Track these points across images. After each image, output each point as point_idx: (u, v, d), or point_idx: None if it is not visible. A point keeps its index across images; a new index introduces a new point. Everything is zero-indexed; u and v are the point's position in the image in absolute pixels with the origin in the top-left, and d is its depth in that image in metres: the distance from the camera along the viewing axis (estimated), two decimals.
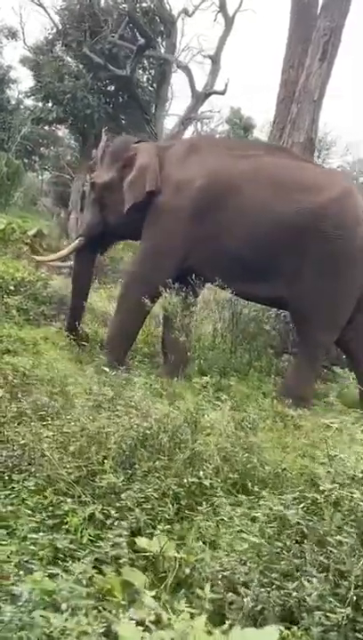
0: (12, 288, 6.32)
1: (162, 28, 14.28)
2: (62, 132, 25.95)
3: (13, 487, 2.60)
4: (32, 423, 3.17)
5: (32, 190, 34.13)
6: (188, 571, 1.99)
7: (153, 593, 1.84)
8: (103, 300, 7.23)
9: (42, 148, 27.70)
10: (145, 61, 14.30)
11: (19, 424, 3.25)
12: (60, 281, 7.25)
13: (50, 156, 28.52)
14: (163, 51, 14.21)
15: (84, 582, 1.86)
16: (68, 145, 28.40)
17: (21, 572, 1.97)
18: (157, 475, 2.67)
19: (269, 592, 1.92)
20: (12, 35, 21.63)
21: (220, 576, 2.00)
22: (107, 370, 3.66)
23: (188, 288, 5.01)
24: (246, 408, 3.75)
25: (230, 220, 4.89)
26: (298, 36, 9.39)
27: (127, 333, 5.06)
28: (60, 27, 15.19)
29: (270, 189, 4.86)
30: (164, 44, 14.20)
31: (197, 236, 4.95)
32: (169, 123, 19.09)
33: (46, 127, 21.57)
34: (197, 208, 4.94)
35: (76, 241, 5.55)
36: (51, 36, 15.74)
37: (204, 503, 2.60)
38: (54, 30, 15.54)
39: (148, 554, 2.06)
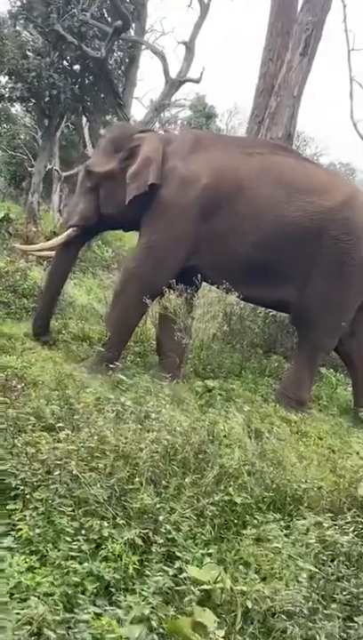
0: None
1: (132, 10, 13.84)
2: (15, 109, 25.02)
3: (37, 507, 2.44)
4: (35, 433, 3.02)
5: None
6: (249, 604, 1.90)
7: (223, 633, 1.75)
8: (83, 294, 6.98)
9: None
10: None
11: (19, 432, 3.08)
12: (40, 272, 6.95)
13: (2, 133, 27.49)
14: (132, 33, 13.77)
15: (151, 623, 1.73)
16: (22, 123, 27.42)
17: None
18: (190, 493, 2.57)
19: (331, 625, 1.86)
20: None
21: (279, 608, 1.93)
22: (125, 378, 3.48)
23: (189, 288, 4.88)
24: (252, 414, 3.69)
25: (237, 221, 4.77)
26: (278, 29, 9.29)
27: (123, 332, 4.87)
28: (25, 1, 14.43)
29: (279, 190, 4.77)
30: (133, 25, 13.75)
31: (201, 235, 4.82)
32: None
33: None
34: (203, 206, 4.80)
35: (69, 230, 5.25)
36: (15, 10, 14.94)
37: (239, 522, 2.53)
38: (18, 3, 14.76)
39: (205, 587, 1.95)
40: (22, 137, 26.83)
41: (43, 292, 5.73)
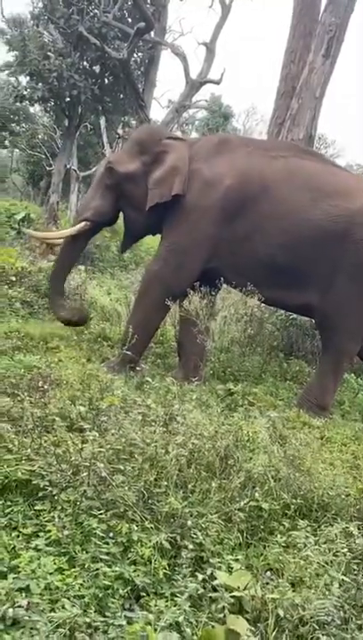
0: (12, 279, 6.05)
1: (152, 11, 13.86)
2: (34, 108, 25.20)
3: (65, 509, 2.45)
4: (61, 434, 3.03)
5: (1, 167, 33.30)
6: (281, 612, 1.89)
7: None
8: (103, 295, 7.00)
9: (13, 124, 26.87)
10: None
11: (46, 432, 3.10)
12: None
13: (21, 132, 27.68)
14: (153, 34, 13.79)
15: (185, 629, 1.73)
16: (41, 123, 27.60)
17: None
18: (216, 498, 2.56)
19: None
20: None
21: (311, 617, 1.91)
22: (150, 379, 3.48)
23: (211, 290, 4.87)
24: (277, 419, 3.67)
25: (261, 224, 4.76)
26: (300, 31, 9.25)
27: (145, 333, 4.88)
28: (47, 2, 14.52)
29: (303, 193, 4.74)
30: (154, 26, 13.76)
31: (223, 237, 4.81)
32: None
33: (19, 104, 20.82)
34: (226, 208, 4.79)
35: (81, 224, 5.25)
36: (37, 11, 15.05)
37: (266, 529, 2.52)
38: (40, 4, 14.87)
39: (235, 593, 1.94)
40: (40, 136, 27.06)
41: (49, 283, 5.74)
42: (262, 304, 5.08)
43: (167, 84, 47.72)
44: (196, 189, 4.86)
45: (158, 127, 8.37)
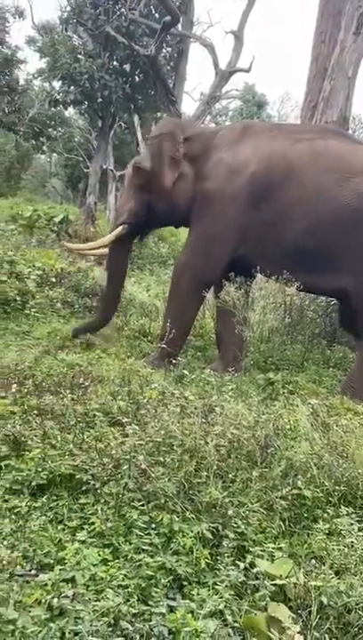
0: (53, 280, 6.18)
1: (178, 4, 13.80)
2: (68, 112, 25.60)
3: (108, 501, 2.49)
4: (103, 429, 3.09)
5: (41, 172, 34.02)
6: (324, 600, 1.86)
7: (298, 629, 1.72)
8: (142, 291, 7.06)
9: (49, 129, 27.39)
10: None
11: (88, 427, 3.16)
12: (101, 272, 7.08)
13: (58, 137, 28.20)
14: (180, 27, 13.74)
15: (226, 617, 1.73)
16: (76, 125, 28.02)
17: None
18: (257, 487, 2.55)
19: None
20: (20, 14, 21.22)
21: (356, 604, 1.88)
22: (187, 372, 3.49)
23: (247, 279, 4.83)
24: (318, 406, 3.61)
25: (287, 208, 4.68)
26: (330, 9, 9.01)
27: (182, 326, 4.87)
28: (75, 5, 14.70)
29: (330, 175, 4.64)
30: (181, 19, 13.70)
31: (250, 223, 4.76)
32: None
33: (54, 108, 21.20)
34: (252, 194, 4.74)
35: (119, 228, 5.28)
36: (65, 15, 15.28)
37: (310, 516, 2.49)
38: (68, 8, 15.07)
39: (278, 581, 1.93)
40: (77, 139, 27.49)
41: (104, 292, 5.74)
42: (300, 291, 4.99)
43: (199, 76, 47.56)
44: (220, 178, 4.83)
45: (177, 119, 8.29)
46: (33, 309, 5.85)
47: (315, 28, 9.18)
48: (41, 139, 27.56)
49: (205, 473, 2.57)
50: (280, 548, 2.28)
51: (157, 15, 14.54)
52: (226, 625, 1.75)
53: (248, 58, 20.54)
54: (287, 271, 4.62)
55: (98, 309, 5.77)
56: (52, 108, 21.63)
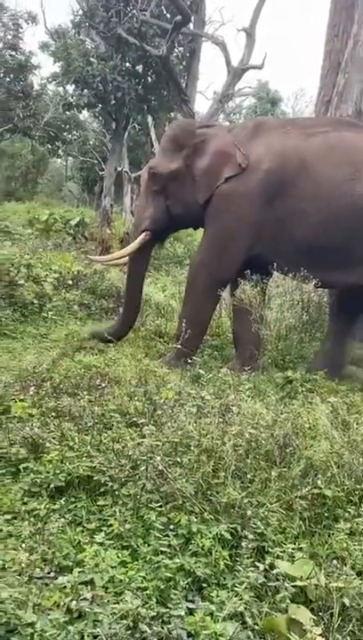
0: (70, 282, 6.21)
1: (189, 3, 13.78)
2: (83, 115, 25.76)
3: (126, 503, 2.48)
4: (120, 430, 3.08)
5: (57, 176, 34.29)
6: (347, 601, 1.82)
7: (319, 631, 1.69)
8: (158, 292, 7.06)
9: (64, 133, 27.60)
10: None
11: (105, 428, 3.16)
12: (116, 274, 7.10)
13: (73, 140, 28.39)
14: (191, 26, 13.71)
15: (246, 619, 1.71)
16: (91, 129, 28.18)
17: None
18: (276, 487, 2.52)
19: None
20: (32, 19, 21.42)
21: None
22: (203, 372, 3.47)
23: (263, 277, 4.80)
24: (338, 404, 3.56)
25: (302, 204, 4.64)
26: (342, 2, 8.89)
27: (198, 325, 4.85)
28: (86, 8, 14.76)
29: (345, 168, 4.59)
30: (192, 18, 13.67)
31: (265, 220, 4.73)
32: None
33: (68, 112, 21.36)
34: (266, 191, 4.71)
35: (142, 235, 5.26)
36: (77, 19, 15.38)
37: (330, 516, 2.45)
38: (80, 12, 15.15)
39: (298, 583, 1.90)
40: (91, 142, 27.65)
41: (125, 297, 5.68)
42: (318, 288, 4.94)
43: (211, 75, 47.45)
44: (234, 176, 4.80)
45: (190, 120, 8.27)
46: (50, 312, 5.90)
47: (328, 22, 9.07)
48: (56, 143, 27.81)
49: (223, 473, 2.55)
50: (301, 549, 2.25)
51: (168, 15, 14.54)
52: (246, 627, 1.73)
53: (260, 54, 20.52)
54: (303, 267, 4.58)
55: (119, 315, 5.74)
56: (67, 112, 21.79)
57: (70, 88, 15.94)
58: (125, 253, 5.56)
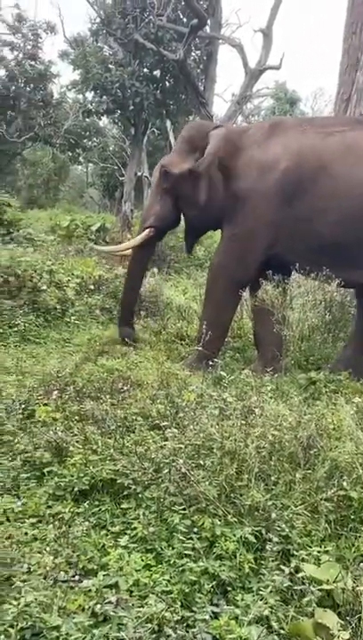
0: (91, 287, 6.26)
1: (206, 6, 13.79)
2: (103, 122, 25.98)
3: (149, 506, 2.48)
4: (143, 433, 3.08)
5: (78, 183, 34.62)
6: None
7: (347, 635, 1.66)
8: (179, 295, 7.06)
9: (85, 140, 27.85)
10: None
11: (128, 432, 3.16)
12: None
13: (93, 147, 28.64)
14: (208, 29, 13.72)
15: (271, 623, 1.68)
16: (111, 135, 28.40)
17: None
18: (301, 489, 2.49)
19: None
20: (51, 29, 21.70)
21: None
22: (224, 374, 3.46)
23: (284, 277, 4.77)
24: (361, 404, 3.50)
25: (321, 203, 4.59)
26: None
27: (219, 327, 4.83)
28: (104, 16, 14.89)
29: (362, 167, 4.53)
30: (209, 21, 13.68)
31: (283, 220, 4.69)
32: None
33: (88, 119, 21.57)
34: (284, 191, 4.68)
35: (146, 232, 5.31)
36: (95, 27, 15.53)
37: (357, 518, 2.41)
38: (98, 20, 15.29)
39: (325, 586, 1.87)
40: (111, 148, 27.86)
41: (123, 292, 5.80)
42: (340, 288, 4.88)
43: (229, 78, 47.44)
44: (252, 176, 4.79)
45: (204, 121, 8.31)
46: (73, 317, 5.95)
47: (345, 20, 9.00)
48: (77, 150, 28.04)
49: (247, 476, 2.53)
50: (327, 552, 2.22)
51: (184, 19, 14.58)
52: (271, 632, 1.70)
53: (278, 54, 20.44)
54: (323, 266, 4.53)
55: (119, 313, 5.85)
56: (86, 119, 21.99)
57: (89, 95, 16.08)
58: (128, 246, 5.67)
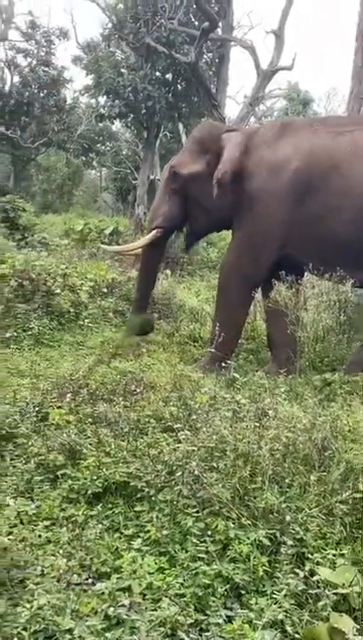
0: (104, 290, 6.28)
1: (217, 9, 13.81)
2: (115, 126, 26.11)
3: (162, 509, 2.47)
4: (156, 435, 3.07)
5: (92, 187, 34.81)
6: None
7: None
8: (192, 297, 7.05)
9: (98, 145, 27.99)
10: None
11: (141, 434, 3.15)
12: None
13: (106, 151, 28.78)
14: (220, 32, 13.73)
15: (285, 627, 1.66)
16: (124, 139, 28.53)
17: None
18: (316, 491, 2.46)
19: None
20: (64, 35, 21.88)
21: None
22: (238, 376, 3.44)
23: (297, 278, 4.74)
24: None
25: (333, 203, 4.57)
26: None
27: (231, 329, 4.81)
28: (116, 21, 15.00)
29: None
30: (220, 24, 13.69)
31: (295, 220, 4.67)
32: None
33: (100, 123, 21.71)
34: (295, 191, 4.66)
35: (154, 232, 5.32)
36: (107, 32, 15.65)
37: None
38: (110, 25, 15.40)
39: (340, 590, 1.84)
40: (124, 152, 27.97)
41: (135, 292, 5.84)
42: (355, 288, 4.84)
43: (241, 79, 47.36)
44: (263, 176, 4.77)
45: (216, 123, 8.30)
46: (86, 320, 5.97)
47: (358, 20, 8.96)
48: (90, 154, 28.22)
49: (260, 478, 2.50)
50: (342, 555, 2.18)
51: (196, 22, 14.62)
52: (286, 636, 1.68)
53: (290, 55, 20.37)
54: (336, 266, 4.50)
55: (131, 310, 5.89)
56: (99, 124, 22.14)
57: (102, 99, 16.20)
58: (136, 246, 5.71)
